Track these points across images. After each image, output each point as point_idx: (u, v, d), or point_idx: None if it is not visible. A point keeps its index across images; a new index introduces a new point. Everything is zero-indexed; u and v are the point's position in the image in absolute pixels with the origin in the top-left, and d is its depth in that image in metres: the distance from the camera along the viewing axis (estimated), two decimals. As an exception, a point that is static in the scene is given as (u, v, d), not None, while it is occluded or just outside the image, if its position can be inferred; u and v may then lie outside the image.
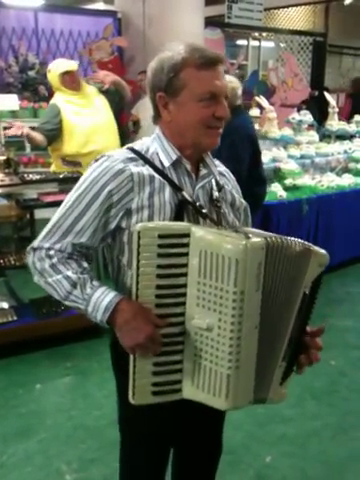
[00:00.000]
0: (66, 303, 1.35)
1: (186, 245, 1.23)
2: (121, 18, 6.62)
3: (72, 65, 3.90)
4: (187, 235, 1.23)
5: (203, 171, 1.44)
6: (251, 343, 1.24)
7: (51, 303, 3.42)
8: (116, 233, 1.39)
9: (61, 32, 6.49)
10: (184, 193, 1.37)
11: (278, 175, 4.60)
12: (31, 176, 3.49)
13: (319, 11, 11.05)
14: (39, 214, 4.93)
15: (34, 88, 5.97)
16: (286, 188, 4.49)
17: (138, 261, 1.22)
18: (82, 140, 3.88)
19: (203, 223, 1.38)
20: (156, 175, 1.37)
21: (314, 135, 5.13)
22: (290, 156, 4.72)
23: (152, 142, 1.43)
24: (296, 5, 10.48)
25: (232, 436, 2.58)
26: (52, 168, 4.17)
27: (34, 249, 1.37)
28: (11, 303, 3.63)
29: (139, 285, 1.24)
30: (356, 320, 3.97)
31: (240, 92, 3.32)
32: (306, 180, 4.65)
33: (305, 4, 10.48)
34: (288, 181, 4.53)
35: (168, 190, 1.37)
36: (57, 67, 3.90)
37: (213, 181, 1.47)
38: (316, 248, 1.36)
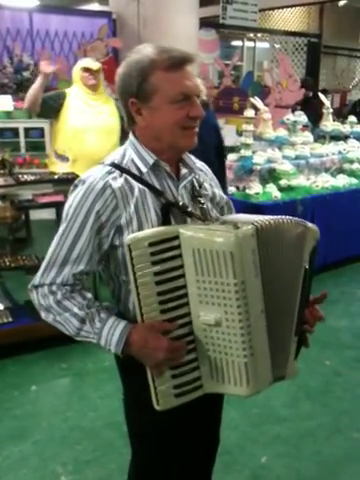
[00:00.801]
0: (77, 339, 1.34)
1: (178, 247, 1.24)
2: (116, 19, 6.64)
3: (93, 63, 3.99)
4: (176, 237, 1.23)
5: (184, 171, 1.44)
6: (260, 327, 1.27)
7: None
8: (110, 252, 1.38)
9: (56, 33, 6.49)
10: (166, 195, 1.37)
11: (273, 176, 4.61)
12: (26, 177, 3.48)
13: (313, 12, 11.11)
14: (34, 215, 4.95)
15: (29, 89, 5.95)
16: (281, 189, 4.50)
17: (134, 273, 1.23)
18: (70, 135, 3.92)
19: (190, 222, 1.38)
20: (135, 184, 1.35)
21: (309, 136, 5.14)
22: (285, 157, 4.73)
23: (126, 150, 1.41)
24: (291, 6, 10.51)
25: (227, 436, 2.58)
26: (48, 164, 4.23)
27: (36, 287, 1.35)
28: (6, 304, 3.62)
29: (140, 296, 1.25)
30: (351, 320, 3.99)
31: (203, 88, 3.35)
32: (301, 181, 4.67)
33: (300, 5, 10.52)
34: (283, 182, 4.54)
35: (149, 196, 1.35)
36: (81, 62, 4.07)
37: (193, 179, 1.47)
38: (309, 224, 1.39)
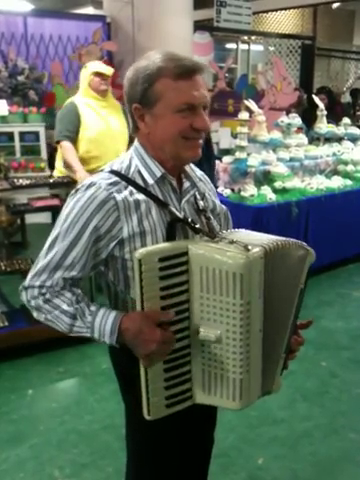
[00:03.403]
0: (71, 335, 1.33)
1: (185, 263, 1.24)
2: (110, 22, 6.64)
3: (106, 69, 3.88)
4: (186, 253, 1.24)
5: (186, 184, 1.42)
6: (257, 345, 1.29)
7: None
8: (109, 261, 1.37)
9: (50, 37, 6.49)
10: (172, 209, 1.35)
11: (268, 178, 4.62)
12: (21, 181, 3.49)
13: (307, 15, 11.13)
14: (30, 219, 4.94)
15: (24, 93, 5.94)
16: (276, 191, 4.51)
17: (141, 287, 1.21)
18: (87, 146, 3.85)
19: (194, 237, 1.37)
20: (140, 198, 1.33)
21: (303, 138, 5.16)
22: (279, 159, 4.74)
23: (132, 158, 1.38)
24: (284, 9, 10.54)
25: (224, 439, 2.59)
26: (55, 172, 4.18)
27: (26, 288, 1.34)
28: (2, 309, 3.62)
29: (145, 310, 1.24)
30: (346, 321, 4.00)
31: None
32: (295, 183, 4.68)
33: (293, 8, 10.54)
34: (278, 184, 4.55)
35: (155, 210, 1.33)
36: (92, 65, 3.92)
37: (196, 192, 1.46)
38: (307, 246, 1.41)
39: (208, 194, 1.53)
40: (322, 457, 2.55)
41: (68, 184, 3.49)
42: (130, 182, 1.34)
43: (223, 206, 1.60)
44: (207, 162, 3.51)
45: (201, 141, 1.35)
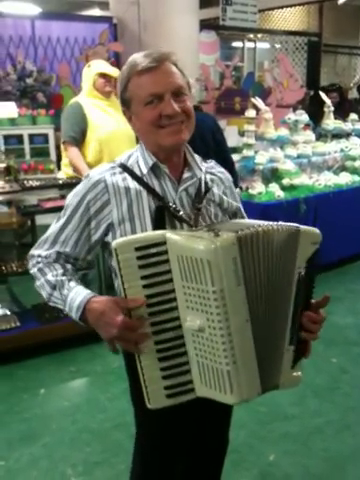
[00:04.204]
0: (50, 304, 1.42)
1: (165, 252, 1.25)
2: (117, 23, 6.68)
3: (111, 69, 3.83)
4: (163, 243, 1.24)
5: (186, 174, 1.45)
6: (245, 337, 1.25)
7: (53, 308, 3.43)
8: (106, 248, 1.44)
9: (58, 39, 6.54)
10: (166, 198, 1.40)
11: (275, 175, 4.63)
12: (31, 183, 3.52)
13: (313, 11, 11.10)
14: (40, 220, 4.97)
15: (32, 95, 6.01)
16: (283, 188, 4.51)
17: (121, 276, 1.25)
18: (98, 148, 3.81)
19: (181, 226, 1.40)
20: (131, 186, 1.40)
21: (310, 135, 5.15)
22: (287, 156, 4.74)
23: (134, 152, 1.47)
24: (290, 6, 10.51)
25: (235, 435, 2.58)
26: (60, 174, 4.13)
27: (29, 257, 1.49)
28: (14, 309, 3.66)
29: (127, 298, 1.27)
30: (357, 317, 3.99)
31: (194, 92, 3.38)
32: (303, 179, 4.67)
33: (299, 4, 10.52)
34: (285, 181, 4.55)
35: (145, 197, 1.39)
36: (97, 66, 3.84)
37: (202, 183, 1.47)
38: (306, 227, 1.36)
39: (223, 192, 1.54)
40: (334, 453, 2.55)
41: (76, 185, 3.50)
42: (126, 170, 1.42)
43: (234, 203, 1.58)
44: (216, 158, 3.50)
45: (179, 126, 1.36)
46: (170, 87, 1.34)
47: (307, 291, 1.38)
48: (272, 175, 4.64)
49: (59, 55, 6.58)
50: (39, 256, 1.44)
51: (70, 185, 3.50)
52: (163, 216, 1.38)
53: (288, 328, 1.35)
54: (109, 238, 1.40)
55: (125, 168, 1.42)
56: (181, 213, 1.39)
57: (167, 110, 1.34)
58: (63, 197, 3.77)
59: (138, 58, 1.36)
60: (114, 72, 3.77)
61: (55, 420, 2.81)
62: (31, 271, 1.46)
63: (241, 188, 4.53)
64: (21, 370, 3.27)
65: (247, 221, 1.47)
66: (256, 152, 4.68)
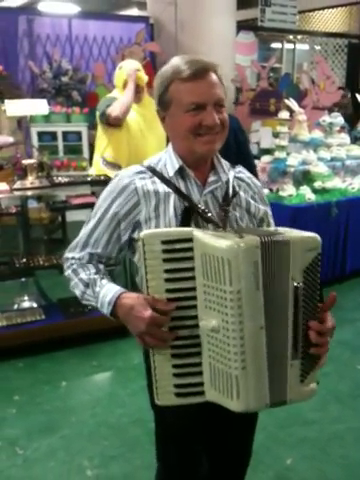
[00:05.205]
0: (84, 303, 1.45)
1: (190, 249, 1.25)
2: (153, 23, 6.71)
3: (141, 78, 3.79)
4: (190, 239, 1.25)
5: (211, 178, 1.47)
6: (258, 343, 1.22)
7: (78, 303, 3.45)
8: (132, 244, 1.47)
9: (94, 38, 6.61)
10: (191, 198, 1.42)
11: (307, 178, 4.57)
12: (60, 179, 3.56)
13: (355, 12, 10.91)
14: (70, 217, 5.05)
15: (68, 94, 6.09)
16: (315, 191, 4.45)
17: (145, 266, 1.26)
18: (125, 144, 3.78)
19: (208, 227, 1.40)
20: (160, 188, 1.43)
21: (345, 137, 5.07)
22: (320, 159, 4.68)
23: (163, 154, 1.50)
24: (331, 7, 10.37)
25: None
26: (91, 170, 4.16)
27: (63, 260, 1.54)
28: (40, 302, 3.72)
29: (149, 290, 1.27)
30: (385, 324, 3.90)
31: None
32: (336, 183, 4.60)
33: (340, 6, 10.36)
34: (317, 184, 4.48)
35: (173, 198, 1.42)
36: (127, 68, 3.80)
37: (230, 187, 1.49)
38: (297, 235, 1.30)
39: (247, 197, 1.53)
40: (353, 460, 2.49)
41: (105, 182, 3.52)
42: (155, 173, 1.45)
43: (262, 207, 1.56)
44: (242, 163, 3.45)
45: (215, 136, 1.40)
46: (213, 98, 1.38)
47: (310, 302, 1.31)
48: (304, 178, 4.58)
49: (95, 54, 6.65)
50: (73, 258, 1.49)
51: (98, 182, 3.54)
52: (190, 217, 1.41)
53: (289, 341, 1.29)
54: (135, 235, 1.43)
55: (154, 171, 1.45)
56: (209, 214, 1.41)
57: (208, 121, 1.37)
58: (93, 194, 3.81)
59: (182, 64, 1.38)
60: (141, 81, 3.75)
61: (75, 413, 2.84)
62: (65, 273, 1.50)
63: (271, 190, 4.49)
64: (44, 362, 3.32)
65: (271, 229, 1.45)
66: (288, 154, 4.63)
